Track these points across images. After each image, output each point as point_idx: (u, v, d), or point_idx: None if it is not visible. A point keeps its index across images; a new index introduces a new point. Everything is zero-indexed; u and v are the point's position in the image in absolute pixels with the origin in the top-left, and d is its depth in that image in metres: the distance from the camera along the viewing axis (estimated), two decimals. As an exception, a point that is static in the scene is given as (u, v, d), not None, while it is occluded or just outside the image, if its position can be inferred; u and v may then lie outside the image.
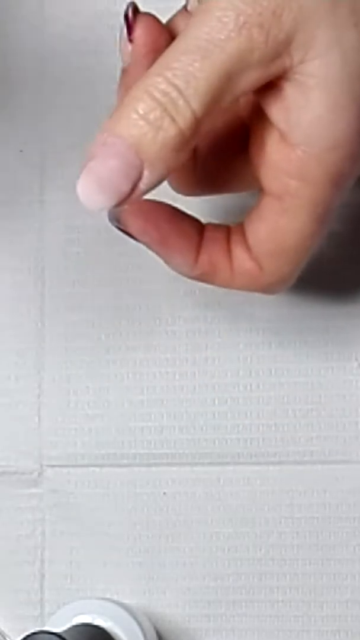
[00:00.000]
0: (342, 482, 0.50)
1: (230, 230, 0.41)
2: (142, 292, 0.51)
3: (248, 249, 0.40)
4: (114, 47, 0.51)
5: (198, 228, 0.41)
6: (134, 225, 0.41)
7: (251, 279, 0.40)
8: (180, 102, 0.35)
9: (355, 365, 0.50)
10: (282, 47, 0.35)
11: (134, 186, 0.35)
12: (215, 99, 0.35)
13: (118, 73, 0.51)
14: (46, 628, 0.43)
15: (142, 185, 0.36)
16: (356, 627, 0.50)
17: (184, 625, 0.51)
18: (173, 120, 0.35)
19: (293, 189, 0.37)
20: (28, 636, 0.41)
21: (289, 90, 0.36)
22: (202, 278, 0.42)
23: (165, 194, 0.41)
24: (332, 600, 0.50)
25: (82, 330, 0.51)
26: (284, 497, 0.50)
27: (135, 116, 0.35)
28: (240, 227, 0.41)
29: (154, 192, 0.38)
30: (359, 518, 0.50)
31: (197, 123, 0.35)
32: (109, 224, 0.52)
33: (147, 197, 0.38)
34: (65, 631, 0.45)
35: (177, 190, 0.42)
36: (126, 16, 0.39)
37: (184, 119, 0.35)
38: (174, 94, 0.35)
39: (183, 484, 0.51)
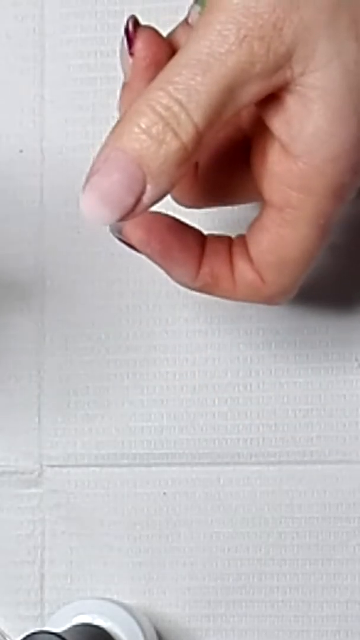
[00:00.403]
0: (342, 482, 0.50)
1: (232, 242, 0.41)
2: (142, 292, 0.51)
3: (250, 260, 0.40)
4: (114, 47, 0.51)
5: (200, 239, 0.41)
6: (135, 236, 0.41)
7: (253, 290, 0.40)
8: (182, 116, 0.35)
9: (355, 365, 0.50)
10: (283, 60, 0.35)
11: (138, 200, 0.35)
12: (217, 112, 0.35)
13: (118, 73, 0.51)
14: (46, 628, 0.43)
15: (145, 199, 0.36)
16: (356, 627, 0.50)
17: (184, 625, 0.51)
18: (175, 134, 0.35)
19: (295, 200, 0.37)
20: (28, 636, 0.41)
21: (290, 102, 0.36)
22: (204, 289, 0.42)
23: (166, 205, 0.41)
24: (332, 600, 0.50)
25: (82, 330, 0.51)
26: (284, 497, 0.50)
27: (137, 130, 0.35)
28: (242, 239, 0.41)
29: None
30: (359, 518, 0.50)
31: (199, 136, 0.35)
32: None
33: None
34: (65, 631, 0.45)
35: (180, 202, 0.43)
36: (126, 29, 0.39)
37: (186, 133, 0.35)
38: (176, 108, 0.35)
39: (183, 484, 0.51)
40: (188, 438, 0.51)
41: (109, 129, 0.51)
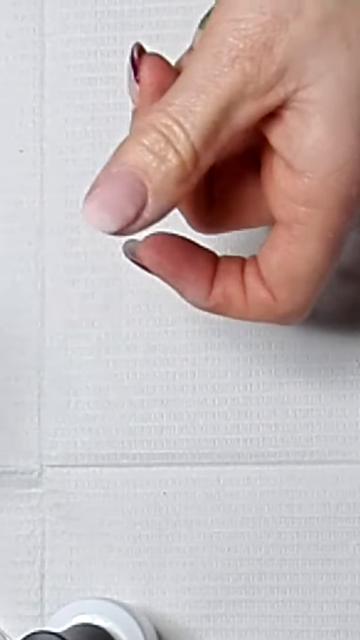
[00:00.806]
0: (342, 482, 0.50)
1: (244, 262, 0.41)
2: (142, 292, 0.51)
3: (262, 279, 0.40)
4: (114, 47, 0.52)
5: (212, 260, 0.42)
6: (148, 257, 0.41)
7: (265, 309, 0.40)
8: (182, 135, 0.36)
9: (356, 365, 0.50)
10: (275, 79, 0.36)
11: (138, 212, 0.36)
12: (213, 133, 0.36)
13: (118, 73, 0.51)
14: (46, 628, 0.43)
15: (146, 214, 0.36)
16: (356, 627, 0.50)
17: (184, 625, 0.51)
18: (176, 151, 0.36)
19: (301, 215, 0.38)
20: (28, 636, 0.41)
21: (289, 118, 0.37)
22: (216, 310, 0.42)
23: (177, 226, 0.41)
24: (332, 600, 0.50)
25: (82, 330, 0.51)
26: (284, 497, 0.50)
27: (140, 147, 0.36)
28: (254, 259, 0.41)
29: (170, 226, 0.39)
30: (359, 518, 0.50)
31: (197, 155, 0.36)
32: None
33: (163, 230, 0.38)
34: (65, 631, 0.45)
35: (197, 228, 0.43)
36: (132, 57, 0.40)
37: (185, 150, 0.36)
38: (176, 127, 0.36)
39: (183, 484, 0.51)
40: (188, 438, 0.51)
41: (109, 128, 0.52)
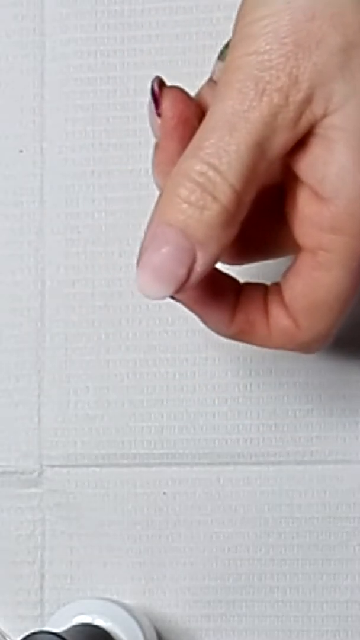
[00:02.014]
0: (342, 482, 0.50)
1: (267, 289, 0.41)
2: (142, 292, 0.51)
3: (285, 306, 0.40)
4: (114, 47, 0.52)
5: (235, 287, 0.41)
6: None
7: (288, 337, 0.40)
8: (218, 179, 0.36)
9: (356, 365, 0.50)
10: (304, 106, 0.36)
11: (190, 270, 0.36)
12: (250, 169, 0.36)
13: (118, 73, 0.51)
14: (46, 628, 0.43)
15: (197, 267, 0.36)
16: (356, 627, 0.50)
17: (184, 625, 0.51)
18: (214, 198, 0.36)
19: (326, 242, 0.37)
20: (28, 636, 0.41)
21: (314, 145, 0.37)
22: (238, 337, 0.41)
23: None
24: (332, 600, 0.50)
25: (82, 330, 0.51)
26: (284, 497, 0.50)
27: (178, 200, 0.36)
28: (277, 286, 0.41)
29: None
30: (359, 518, 0.50)
31: (238, 196, 0.36)
32: (109, 223, 0.52)
33: None
34: (65, 631, 0.45)
35: (221, 260, 0.43)
36: (152, 90, 0.40)
37: (224, 194, 0.36)
38: (210, 172, 0.36)
39: (183, 484, 0.51)
40: (188, 438, 0.51)
41: (109, 128, 0.52)
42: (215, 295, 0.41)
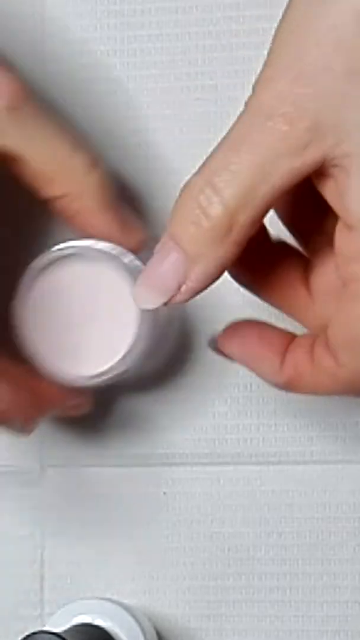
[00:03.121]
0: (342, 482, 0.50)
1: (317, 336, 0.41)
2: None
3: (327, 345, 0.40)
4: (114, 47, 0.51)
5: (286, 337, 0.42)
6: (226, 347, 0.42)
7: (331, 377, 0.40)
8: (214, 197, 0.36)
9: (355, 365, 0.50)
10: (309, 135, 0.36)
11: (180, 282, 0.38)
12: (249, 190, 0.36)
13: (118, 73, 0.51)
14: (46, 628, 0.43)
15: (189, 283, 0.37)
16: (356, 627, 0.50)
17: (184, 625, 0.51)
18: (206, 215, 0.36)
19: (356, 271, 0.37)
20: (28, 636, 0.41)
21: (336, 175, 0.37)
22: (290, 385, 0.41)
23: None
24: (332, 600, 0.50)
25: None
26: (284, 497, 0.50)
27: (178, 214, 0.37)
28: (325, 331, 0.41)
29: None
30: (359, 518, 0.50)
31: (231, 215, 0.36)
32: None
33: None
34: (65, 631, 0.45)
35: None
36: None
37: (215, 212, 0.36)
38: (208, 189, 0.36)
39: (183, 484, 0.51)
40: (188, 438, 0.51)
41: (109, 129, 0.51)
42: (265, 346, 0.42)
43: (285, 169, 0.36)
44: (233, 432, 0.51)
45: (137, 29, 0.51)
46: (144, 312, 0.43)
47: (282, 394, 0.50)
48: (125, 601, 0.50)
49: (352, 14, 0.35)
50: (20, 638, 0.41)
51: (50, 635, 0.41)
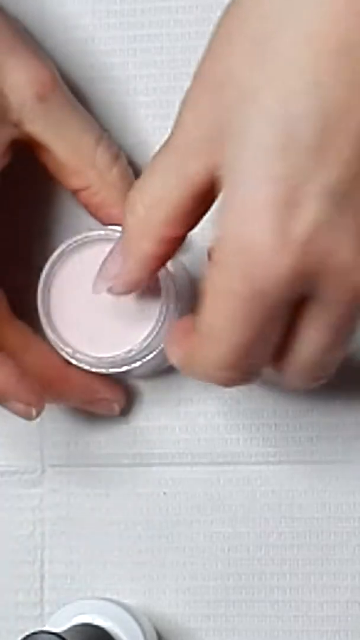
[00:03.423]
0: (342, 482, 0.50)
1: None
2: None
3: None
4: (114, 47, 0.51)
5: None
6: None
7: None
8: (137, 196, 0.39)
9: (356, 365, 0.50)
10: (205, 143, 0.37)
11: (117, 273, 0.41)
12: (161, 191, 0.38)
13: (118, 73, 0.51)
14: (46, 628, 0.43)
15: (122, 273, 0.41)
16: (356, 627, 0.50)
17: (184, 625, 0.51)
18: (132, 212, 0.39)
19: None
20: (28, 636, 0.41)
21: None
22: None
23: None
24: (332, 600, 0.50)
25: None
26: (284, 497, 0.50)
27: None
28: None
29: None
30: (359, 518, 0.50)
31: (147, 211, 0.39)
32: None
33: None
34: (65, 631, 0.45)
35: None
36: None
37: (137, 208, 0.39)
38: (136, 188, 0.39)
39: (183, 484, 0.51)
40: (188, 438, 0.51)
41: (109, 129, 0.51)
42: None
43: (191, 172, 0.37)
44: (233, 432, 0.51)
45: (137, 29, 0.51)
46: (166, 297, 0.44)
47: (283, 394, 0.50)
48: (125, 601, 0.50)
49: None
50: (20, 638, 0.41)
51: (50, 635, 0.41)
